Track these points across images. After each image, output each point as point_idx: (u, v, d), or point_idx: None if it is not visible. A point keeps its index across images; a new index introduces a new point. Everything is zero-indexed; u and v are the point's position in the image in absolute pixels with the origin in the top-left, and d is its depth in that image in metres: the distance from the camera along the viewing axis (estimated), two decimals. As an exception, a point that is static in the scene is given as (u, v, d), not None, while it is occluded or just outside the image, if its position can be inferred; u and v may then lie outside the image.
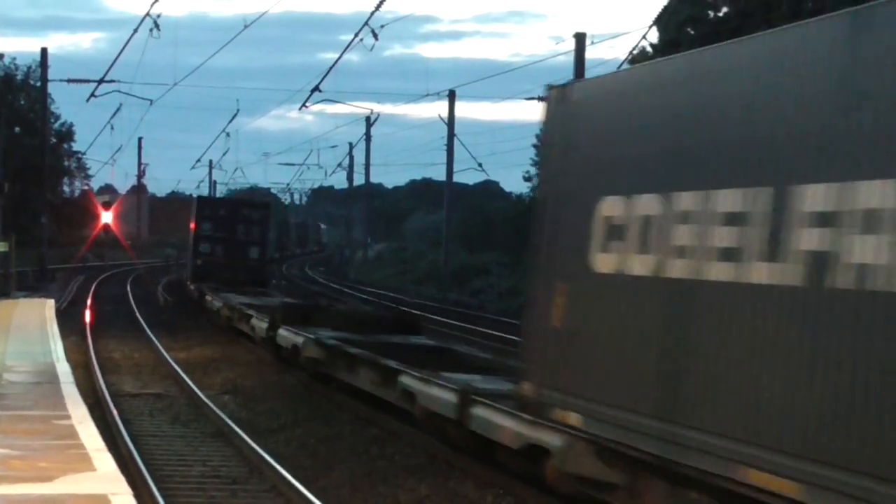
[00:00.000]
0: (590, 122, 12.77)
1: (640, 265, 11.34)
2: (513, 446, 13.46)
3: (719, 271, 10.11)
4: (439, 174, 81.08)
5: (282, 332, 24.58)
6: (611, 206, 11.91)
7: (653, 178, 11.30)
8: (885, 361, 8.33)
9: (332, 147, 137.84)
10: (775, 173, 9.55)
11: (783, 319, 9.34)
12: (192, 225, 46.28)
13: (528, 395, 13.06)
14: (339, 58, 35.41)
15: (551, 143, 13.65)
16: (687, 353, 10.53)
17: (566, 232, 12.82)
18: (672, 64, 12.29)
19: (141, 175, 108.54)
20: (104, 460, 9.97)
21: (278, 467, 14.86)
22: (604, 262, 11.98)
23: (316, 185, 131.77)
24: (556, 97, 13.34)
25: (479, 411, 14.51)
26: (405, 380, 17.16)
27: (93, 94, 48.05)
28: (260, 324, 27.53)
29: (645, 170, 11.47)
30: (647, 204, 11.30)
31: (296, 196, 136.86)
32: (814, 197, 9.11)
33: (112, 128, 60.41)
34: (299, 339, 22.90)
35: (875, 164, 8.59)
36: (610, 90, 12.95)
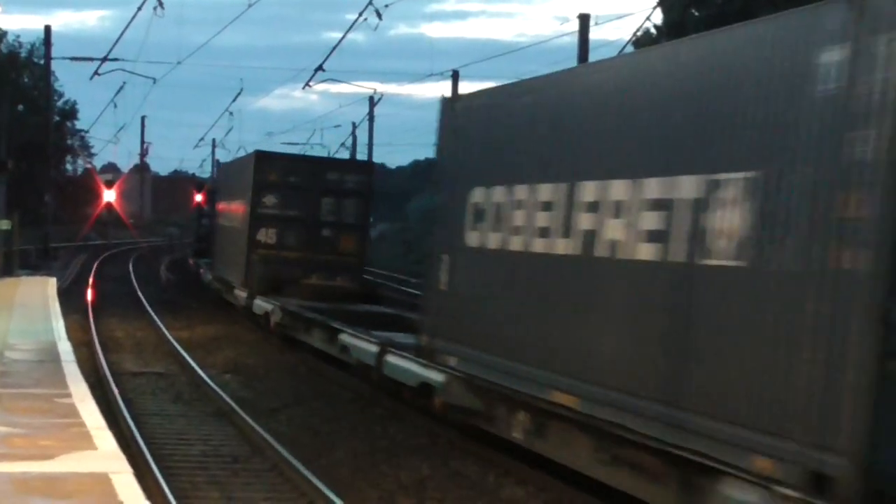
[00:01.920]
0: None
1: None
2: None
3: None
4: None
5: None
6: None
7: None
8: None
9: (336, 127, 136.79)
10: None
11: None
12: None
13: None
14: (343, 37, 35.48)
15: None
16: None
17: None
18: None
19: (144, 154, 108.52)
20: (105, 439, 9.94)
21: (279, 447, 14.86)
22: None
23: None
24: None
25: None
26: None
27: (96, 73, 47.94)
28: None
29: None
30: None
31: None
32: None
33: (115, 106, 59.96)
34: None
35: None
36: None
